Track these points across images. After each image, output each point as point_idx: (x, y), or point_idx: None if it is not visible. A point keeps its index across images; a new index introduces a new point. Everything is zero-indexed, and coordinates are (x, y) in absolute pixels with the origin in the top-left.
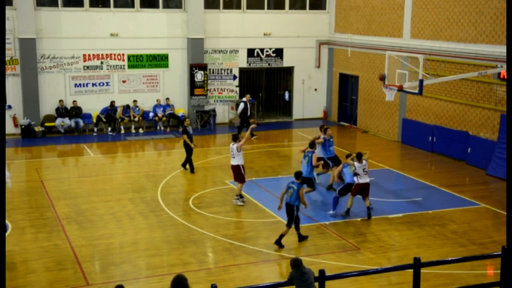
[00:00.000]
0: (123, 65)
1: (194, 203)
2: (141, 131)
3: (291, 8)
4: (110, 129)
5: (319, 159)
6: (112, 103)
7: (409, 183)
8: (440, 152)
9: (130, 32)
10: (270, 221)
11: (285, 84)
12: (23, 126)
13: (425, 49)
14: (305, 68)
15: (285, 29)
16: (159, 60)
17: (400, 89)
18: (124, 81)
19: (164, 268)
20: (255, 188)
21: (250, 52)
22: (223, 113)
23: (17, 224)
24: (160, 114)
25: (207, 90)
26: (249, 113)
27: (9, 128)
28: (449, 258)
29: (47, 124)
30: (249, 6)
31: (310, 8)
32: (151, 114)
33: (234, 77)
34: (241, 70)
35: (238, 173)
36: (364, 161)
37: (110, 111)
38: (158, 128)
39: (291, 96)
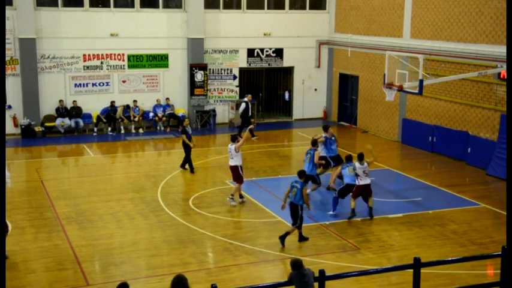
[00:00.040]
0: (123, 65)
1: (194, 203)
2: (141, 131)
3: (291, 8)
4: (110, 129)
5: (321, 158)
6: (112, 103)
7: (409, 183)
8: (440, 152)
9: (131, 32)
10: (270, 221)
11: (285, 84)
12: (23, 126)
13: (425, 49)
14: (305, 68)
15: (285, 29)
16: (159, 60)
17: (400, 89)
18: (124, 81)
19: (164, 268)
20: (255, 188)
21: (250, 52)
22: (223, 113)
23: (17, 224)
24: (160, 114)
25: (207, 90)
26: (250, 113)
27: (9, 128)
28: (449, 258)
29: (47, 124)
30: (249, 6)
31: (310, 8)
32: (151, 114)
33: (234, 77)
34: (241, 70)
35: (236, 174)
36: (365, 163)
37: (110, 111)
38: (158, 128)
39: (291, 96)
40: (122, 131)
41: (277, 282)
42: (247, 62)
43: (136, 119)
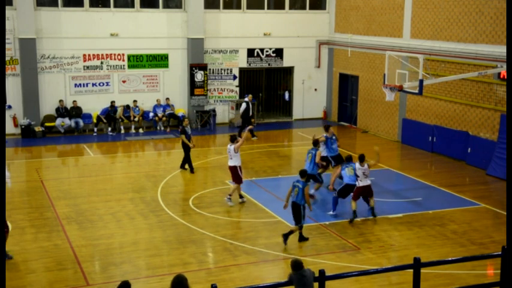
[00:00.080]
0: (123, 65)
1: (194, 203)
2: (141, 131)
3: (291, 8)
4: (110, 129)
5: (322, 158)
6: (112, 103)
7: (409, 183)
8: (440, 152)
9: (131, 32)
10: (270, 221)
11: (285, 84)
12: (23, 126)
13: (425, 49)
14: (305, 68)
15: (285, 29)
16: (159, 60)
17: (400, 89)
18: (124, 81)
19: (164, 268)
20: (255, 188)
21: (250, 52)
22: (223, 113)
23: (17, 224)
24: (160, 114)
25: (207, 90)
26: (251, 113)
27: (9, 128)
28: (449, 258)
29: (47, 124)
30: (249, 6)
31: (310, 8)
32: (151, 114)
33: (234, 77)
34: (241, 70)
35: (235, 174)
36: (365, 165)
37: (110, 112)
38: (158, 128)
39: (291, 96)
40: (122, 131)
41: (277, 282)
42: (247, 62)
43: (136, 119)
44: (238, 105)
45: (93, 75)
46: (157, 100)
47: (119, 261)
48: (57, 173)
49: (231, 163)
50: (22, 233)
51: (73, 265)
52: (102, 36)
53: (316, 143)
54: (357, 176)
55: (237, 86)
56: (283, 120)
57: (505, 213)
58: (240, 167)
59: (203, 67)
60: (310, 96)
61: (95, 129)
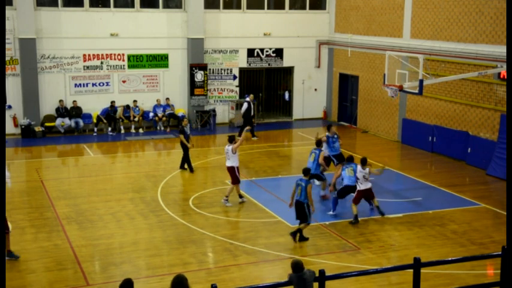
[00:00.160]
0: (123, 65)
1: (194, 203)
2: (141, 131)
3: (291, 8)
4: (110, 129)
5: (324, 158)
6: (112, 103)
7: (409, 183)
8: (440, 152)
9: (131, 32)
10: (270, 221)
11: (285, 84)
12: (23, 126)
13: (425, 49)
14: (305, 68)
15: (285, 29)
16: (159, 60)
17: (400, 89)
18: (124, 81)
19: (164, 268)
20: (255, 188)
21: (250, 52)
22: (223, 113)
23: (17, 224)
24: (160, 114)
25: (207, 90)
26: (252, 113)
27: (9, 128)
28: (449, 258)
29: (47, 124)
30: (249, 6)
31: (310, 8)
32: (151, 114)
33: (234, 77)
34: (241, 70)
35: (232, 175)
36: (367, 168)
37: (110, 112)
38: (158, 128)
39: (291, 96)
40: (122, 131)
41: (277, 282)
42: (247, 62)
43: (136, 119)
44: (238, 105)
45: (93, 75)
46: (157, 100)
47: (119, 261)
48: (57, 173)
49: (228, 163)
50: (22, 233)
51: (73, 265)
52: (102, 36)
53: (319, 143)
54: (356, 178)
55: (237, 86)
56: (283, 120)
57: (505, 213)
58: (237, 167)
59: (203, 67)
60: (310, 96)
61: (95, 129)
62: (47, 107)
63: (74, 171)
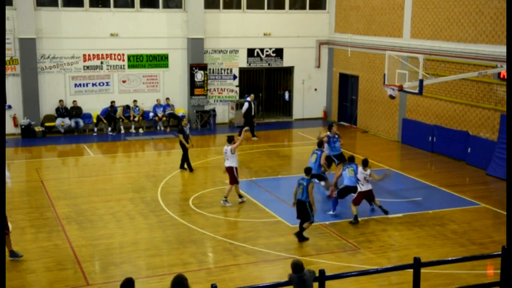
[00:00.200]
0: (123, 65)
1: (194, 203)
2: (141, 131)
3: (291, 8)
4: (110, 129)
5: (326, 158)
6: (112, 103)
7: (409, 183)
8: (440, 152)
9: (131, 32)
10: (270, 221)
11: (285, 84)
12: (23, 126)
13: (425, 49)
14: (305, 68)
15: (285, 29)
16: (159, 60)
17: (400, 89)
18: (124, 81)
19: (164, 268)
20: (255, 188)
21: (250, 52)
22: (223, 113)
23: (17, 224)
24: (160, 114)
25: (207, 90)
26: (253, 113)
27: (9, 128)
28: (449, 258)
29: (47, 124)
30: (249, 6)
31: (310, 8)
32: (151, 114)
33: (234, 77)
34: (241, 70)
35: (231, 175)
36: (368, 170)
37: (110, 112)
38: (158, 128)
39: (291, 96)
40: (122, 131)
41: (277, 282)
42: (247, 62)
43: (136, 119)
44: (238, 105)
45: (93, 75)
46: (157, 100)
47: (119, 261)
48: (57, 173)
49: (227, 164)
50: (22, 233)
51: (73, 265)
52: (102, 36)
53: (320, 144)
54: (357, 179)
55: (237, 86)
56: (283, 120)
57: (505, 213)
58: (236, 168)
59: (203, 67)
60: (310, 96)
61: (95, 129)
62: (47, 107)
63: (74, 171)
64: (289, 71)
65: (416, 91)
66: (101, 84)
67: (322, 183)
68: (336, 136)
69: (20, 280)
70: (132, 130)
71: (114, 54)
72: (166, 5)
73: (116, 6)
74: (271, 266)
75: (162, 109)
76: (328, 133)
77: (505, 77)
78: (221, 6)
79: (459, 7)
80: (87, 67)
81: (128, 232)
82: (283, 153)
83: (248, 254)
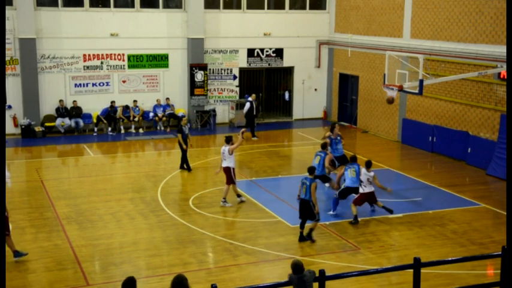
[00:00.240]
0: (123, 65)
1: (194, 203)
2: (141, 131)
3: (291, 8)
4: (110, 129)
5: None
6: (112, 103)
7: (409, 183)
8: (440, 152)
9: (131, 32)
10: (270, 221)
11: (285, 84)
12: (23, 126)
13: (425, 49)
14: (305, 68)
15: (285, 29)
16: (159, 60)
17: (400, 89)
18: (124, 81)
19: (164, 268)
20: (255, 188)
21: (250, 52)
22: (223, 113)
23: (17, 224)
24: (160, 114)
25: (207, 90)
26: (254, 113)
27: (9, 128)
28: (449, 258)
29: (47, 124)
30: (249, 6)
31: (310, 8)
32: (151, 114)
33: (234, 77)
34: (241, 70)
35: (228, 175)
36: (372, 172)
37: (110, 112)
38: (158, 128)
39: (291, 96)
40: (122, 131)
41: (277, 282)
42: (247, 62)
43: (136, 119)
44: (238, 105)
45: (93, 75)
46: (157, 100)
47: (119, 261)
48: (57, 173)
49: (224, 164)
50: (22, 233)
51: (73, 265)
52: (102, 36)
53: (324, 146)
54: (360, 180)
55: (237, 86)
56: (283, 120)
57: (505, 213)
58: (233, 168)
59: (203, 67)
60: (310, 96)
61: (95, 129)
62: (47, 107)
63: (74, 171)
64: (289, 71)
65: (416, 91)
66: (101, 84)
67: (327, 184)
68: (338, 138)
69: (20, 280)
70: (132, 130)
71: (114, 54)
72: (166, 5)
73: (116, 6)
74: (271, 266)
75: (162, 109)
76: (331, 134)
77: (505, 77)
78: (221, 6)
79: (459, 7)
80: (87, 67)
81: (128, 232)
82: (283, 153)
83: (248, 254)
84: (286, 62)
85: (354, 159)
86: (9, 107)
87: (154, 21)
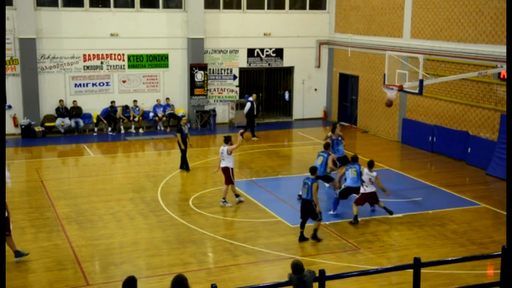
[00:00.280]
0: (123, 65)
1: (194, 203)
2: (141, 131)
3: (291, 8)
4: (110, 129)
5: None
6: (112, 103)
7: (409, 183)
8: (440, 152)
9: (130, 32)
10: (270, 221)
11: (285, 84)
12: (23, 126)
13: (425, 49)
14: (305, 68)
15: (285, 29)
16: (159, 60)
17: (400, 89)
18: (124, 81)
19: (164, 268)
20: (255, 188)
21: (250, 52)
22: (223, 113)
23: (17, 224)
24: (160, 114)
25: (207, 90)
26: (255, 113)
27: (9, 128)
28: (449, 258)
29: (47, 124)
30: (249, 6)
31: (310, 8)
32: (151, 114)
33: (234, 77)
34: (241, 70)
35: (226, 175)
36: (374, 172)
37: (110, 112)
38: (158, 128)
39: (291, 96)
40: (122, 131)
41: (277, 282)
42: (247, 62)
43: (136, 119)
44: (238, 105)
45: (93, 75)
46: (157, 100)
47: (119, 261)
48: (57, 173)
49: (223, 164)
50: (22, 233)
51: (73, 265)
52: (102, 36)
53: (327, 146)
54: (362, 180)
55: (237, 86)
56: (283, 120)
57: (505, 213)
58: (232, 168)
59: (203, 67)
60: (310, 96)
61: (95, 129)
62: (47, 107)
63: (74, 171)
64: (289, 71)
65: (416, 91)
66: (101, 84)
67: (327, 184)
68: (339, 138)
69: (20, 280)
70: (132, 130)
71: (114, 54)
72: (166, 5)
73: (116, 6)
74: (271, 266)
75: (162, 109)
76: (332, 135)
77: (505, 77)
78: (221, 6)
79: (459, 7)
80: (87, 67)
81: (127, 232)
82: (283, 153)
83: (248, 254)
84: (286, 62)
85: (355, 159)
86: (9, 107)
87: (154, 21)
